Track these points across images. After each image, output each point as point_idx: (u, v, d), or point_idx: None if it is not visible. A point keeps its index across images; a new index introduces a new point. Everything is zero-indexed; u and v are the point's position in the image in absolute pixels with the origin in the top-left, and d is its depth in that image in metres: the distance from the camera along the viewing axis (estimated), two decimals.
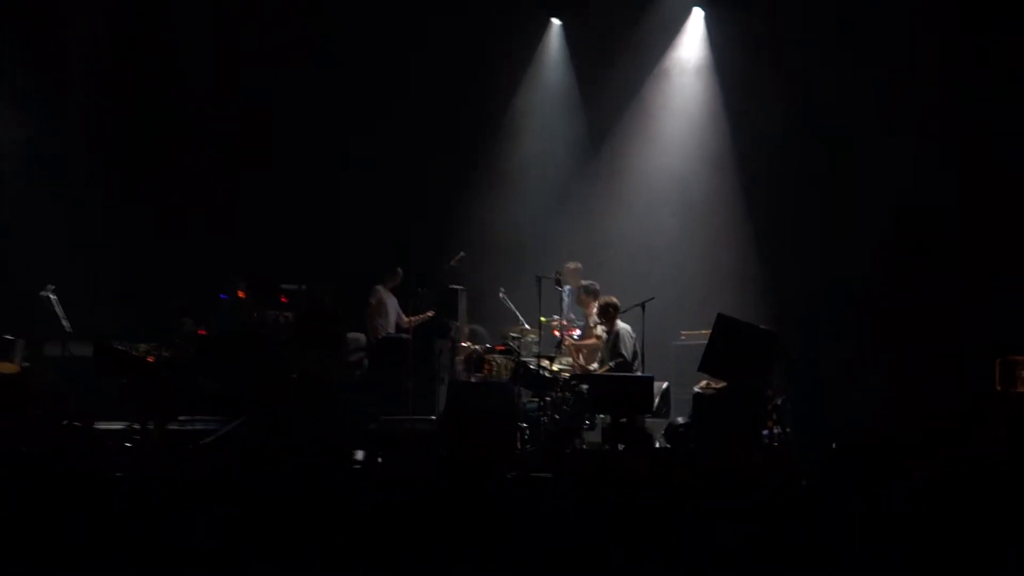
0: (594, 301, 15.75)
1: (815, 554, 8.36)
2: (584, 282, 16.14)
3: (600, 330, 15.53)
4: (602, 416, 14.29)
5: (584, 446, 14.17)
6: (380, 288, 16.79)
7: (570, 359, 15.71)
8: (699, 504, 9.08)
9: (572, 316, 16.58)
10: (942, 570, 8.25)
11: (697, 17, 18.63)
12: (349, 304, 16.62)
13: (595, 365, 15.45)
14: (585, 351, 15.73)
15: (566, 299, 16.19)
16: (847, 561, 8.27)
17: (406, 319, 16.50)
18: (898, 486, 9.73)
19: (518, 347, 15.31)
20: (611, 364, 15.05)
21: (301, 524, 8.76)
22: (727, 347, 13.80)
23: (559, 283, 15.62)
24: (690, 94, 18.63)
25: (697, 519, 8.76)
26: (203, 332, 15.78)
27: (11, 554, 8.67)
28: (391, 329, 16.76)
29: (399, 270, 16.86)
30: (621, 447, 13.47)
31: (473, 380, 15.24)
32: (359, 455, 12.52)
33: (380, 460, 12.59)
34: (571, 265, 16.48)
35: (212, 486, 9.90)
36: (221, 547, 8.52)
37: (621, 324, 15.24)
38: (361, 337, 16.89)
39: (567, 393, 14.53)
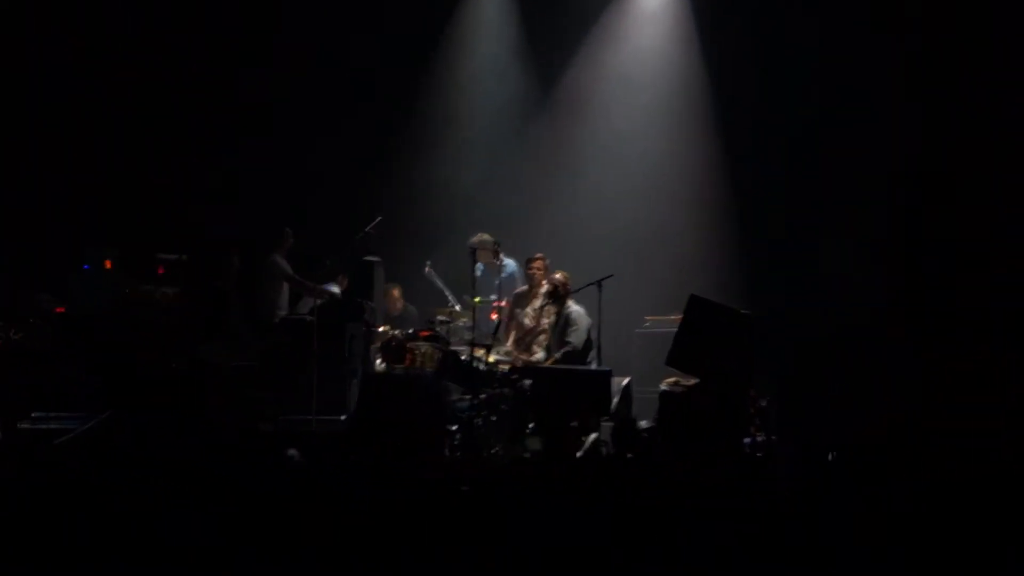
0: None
1: (815, 554, 8.51)
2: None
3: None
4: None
5: (527, 454, 12.90)
6: (276, 257, 15.35)
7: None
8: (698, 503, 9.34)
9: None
10: (942, 570, 8.33)
11: None
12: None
13: (540, 354, 14.17)
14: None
15: (479, 278, 15.23)
16: (847, 561, 8.41)
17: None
18: (898, 486, 10.09)
19: (446, 333, 14.31)
20: (558, 355, 13.78)
21: (300, 524, 8.63)
22: (701, 336, 12.57)
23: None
24: (658, 46, 17.45)
25: (697, 519, 8.94)
26: (62, 310, 14.63)
27: None
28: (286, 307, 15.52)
29: (288, 231, 15.47)
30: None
31: (392, 372, 14.07)
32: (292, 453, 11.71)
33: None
34: (483, 237, 15.20)
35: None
36: (217, 546, 8.35)
37: (574, 306, 13.94)
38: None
39: (506, 390, 13.37)
